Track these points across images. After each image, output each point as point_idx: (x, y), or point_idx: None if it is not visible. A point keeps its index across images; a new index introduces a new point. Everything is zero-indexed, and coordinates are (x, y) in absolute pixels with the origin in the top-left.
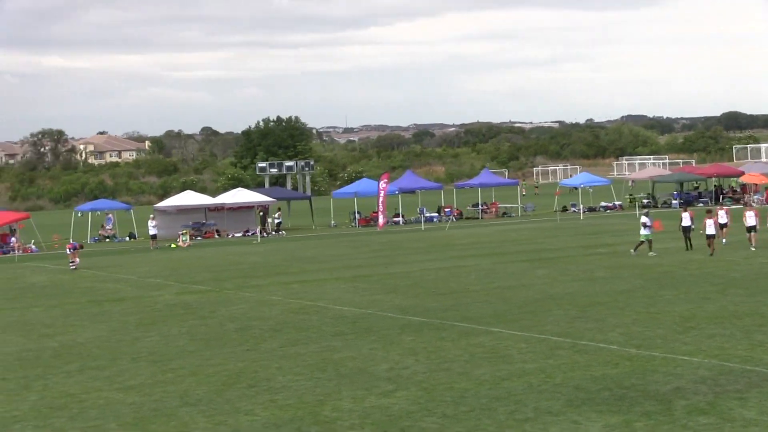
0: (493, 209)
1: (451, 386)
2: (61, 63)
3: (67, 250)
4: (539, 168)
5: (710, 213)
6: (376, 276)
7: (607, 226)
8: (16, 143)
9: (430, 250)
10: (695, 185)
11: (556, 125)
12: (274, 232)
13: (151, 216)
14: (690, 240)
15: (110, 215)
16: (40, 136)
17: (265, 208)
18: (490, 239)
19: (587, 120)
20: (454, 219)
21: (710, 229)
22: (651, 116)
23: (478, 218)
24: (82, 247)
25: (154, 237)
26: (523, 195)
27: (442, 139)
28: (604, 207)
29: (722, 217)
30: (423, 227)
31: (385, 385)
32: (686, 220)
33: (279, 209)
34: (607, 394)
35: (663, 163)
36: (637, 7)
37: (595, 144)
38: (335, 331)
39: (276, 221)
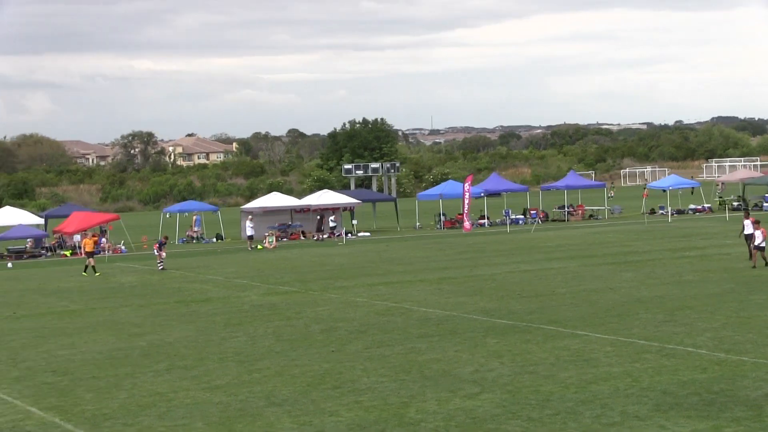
0: (580, 211)
1: (536, 389)
2: (152, 66)
3: (155, 251)
4: (627, 170)
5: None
6: (461, 278)
7: (696, 229)
8: (107, 145)
9: (515, 252)
10: None
11: (645, 127)
12: (328, 236)
13: (249, 217)
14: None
15: (198, 216)
16: (130, 138)
17: (322, 211)
18: (576, 242)
19: (676, 121)
20: (540, 221)
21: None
22: (742, 117)
23: (564, 221)
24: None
25: (251, 237)
26: (611, 197)
27: (528, 141)
28: (692, 209)
29: None
30: (508, 230)
31: (470, 388)
32: (748, 227)
33: (333, 213)
34: (696, 399)
35: (754, 165)
36: (730, 6)
37: (684, 146)
38: (420, 332)
39: (331, 224)
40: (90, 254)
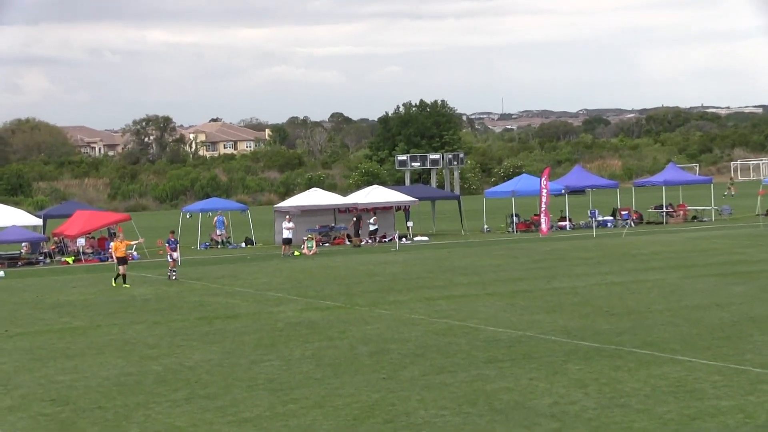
0: (681, 212)
1: (628, 426)
2: (168, 38)
3: (168, 256)
4: (738, 162)
5: None
6: (537, 291)
7: None
8: (116, 132)
9: (602, 260)
10: None
11: (760, 111)
12: (369, 241)
13: (287, 217)
14: None
15: (220, 216)
16: (143, 123)
17: (359, 212)
18: (676, 248)
19: None
20: (633, 224)
21: None
22: None
23: (662, 223)
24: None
25: (288, 242)
26: (732, 196)
27: (618, 128)
28: None
29: None
30: (594, 233)
31: (548, 423)
32: None
33: (374, 214)
34: None
35: None
36: None
37: None
38: (488, 357)
39: (372, 227)
40: (121, 261)
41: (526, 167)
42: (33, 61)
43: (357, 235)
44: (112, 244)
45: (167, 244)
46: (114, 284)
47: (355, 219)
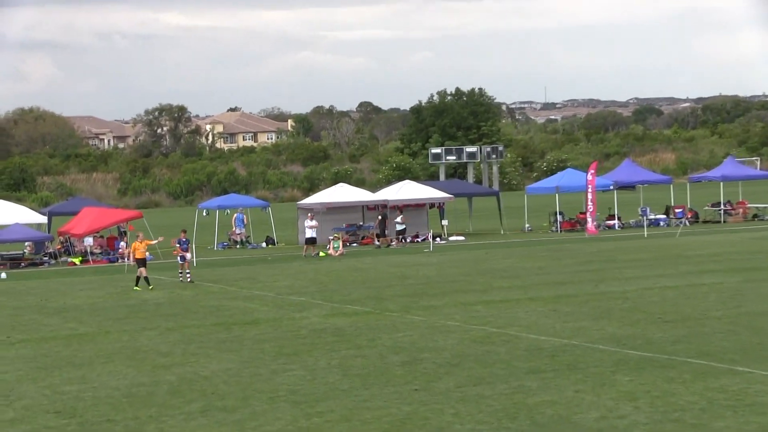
0: (740, 210)
1: None
2: (183, 21)
3: (179, 258)
4: None
5: None
6: (583, 296)
7: None
8: (127, 122)
9: (654, 263)
10: None
11: None
12: (394, 242)
13: (310, 215)
14: None
15: (239, 214)
16: (156, 113)
17: (384, 210)
18: (735, 249)
19: None
20: (687, 222)
21: None
22: None
23: (720, 222)
24: (184, 232)
25: (311, 241)
26: None
27: (671, 118)
28: None
29: None
30: (645, 233)
31: None
32: None
33: (401, 212)
34: None
35: None
36: None
37: None
38: (529, 367)
39: (398, 227)
40: (141, 262)
41: (571, 161)
42: (37, 47)
43: (384, 234)
44: (122, 243)
45: (178, 245)
46: (137, 288)
47: (380, 217)
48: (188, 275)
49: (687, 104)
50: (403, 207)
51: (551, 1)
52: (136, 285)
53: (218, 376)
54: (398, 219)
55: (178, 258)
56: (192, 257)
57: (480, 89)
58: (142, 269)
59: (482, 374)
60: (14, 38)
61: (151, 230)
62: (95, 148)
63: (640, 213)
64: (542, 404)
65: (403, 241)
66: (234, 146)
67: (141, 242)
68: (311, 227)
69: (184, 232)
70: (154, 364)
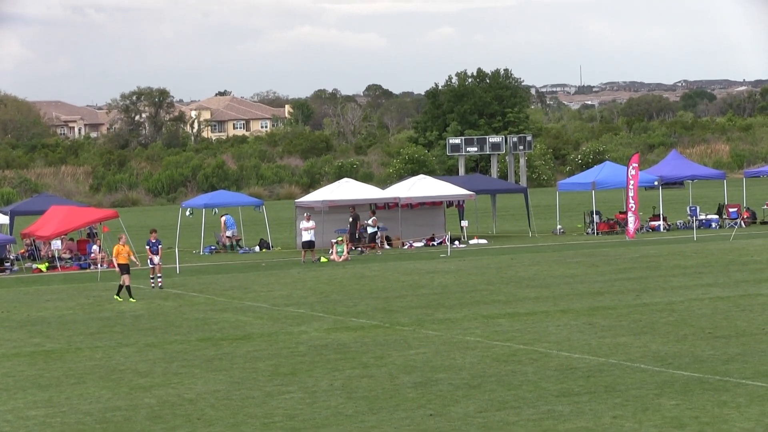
0: None
1: None
2: None
3: (149, 262)
4: None
5: None
6: (622, 308)
7: None
8: (101, 108)
9: (704, 270)
10: None
11: None
12: (363, 249)
13: (306, 215)
14: None
15: (228, 215)
16: (134, 98)
17: (353, 210)
18: None
19: None
20: (743, 224)
21: None
22: None
23: None
24: (154, 232)
25: (309, 245)
26: None
27: (725, 104)
28: None
29: None
30: (695, 236)
31: None
32: None
33: (374, 212)
34: None
35: None
36: None
37: None
38: (561, 389)
39: (370, 230)
40: (124, 269)
41: (610, 153)
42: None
43: (355, 239)
44: (94, 247)
45: (147, 247)
46: (118, 298)
47: (351, 219)
48: (159, 280)
49: (743, 88)
50: (380, 207)
51: None
52: (118, 294)
53: (205, 399)
54: (369, 221)
55: (149, 262)
56: (176, 264)
57: (506, 70)
58: (126, 276)
59: (506, 397)
60: None
61: (127, 232)
62: (64, 137)
63: (688, 213)
64: (576, 431)
65: (379, 246)
66: (223, 136)
67: (123, 246)
68: (308, 229)
69: (154, 232)
70: (131, 385)
